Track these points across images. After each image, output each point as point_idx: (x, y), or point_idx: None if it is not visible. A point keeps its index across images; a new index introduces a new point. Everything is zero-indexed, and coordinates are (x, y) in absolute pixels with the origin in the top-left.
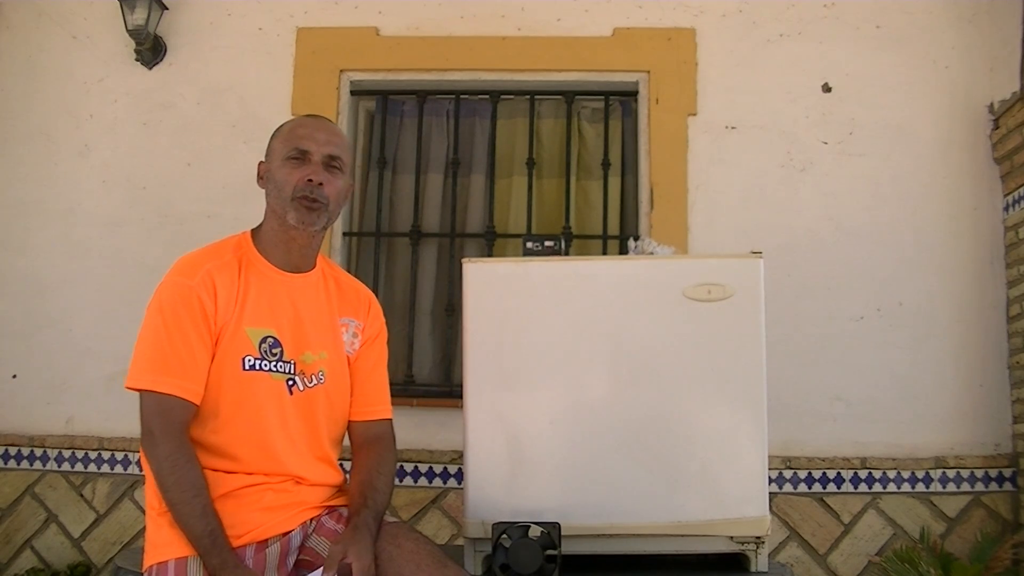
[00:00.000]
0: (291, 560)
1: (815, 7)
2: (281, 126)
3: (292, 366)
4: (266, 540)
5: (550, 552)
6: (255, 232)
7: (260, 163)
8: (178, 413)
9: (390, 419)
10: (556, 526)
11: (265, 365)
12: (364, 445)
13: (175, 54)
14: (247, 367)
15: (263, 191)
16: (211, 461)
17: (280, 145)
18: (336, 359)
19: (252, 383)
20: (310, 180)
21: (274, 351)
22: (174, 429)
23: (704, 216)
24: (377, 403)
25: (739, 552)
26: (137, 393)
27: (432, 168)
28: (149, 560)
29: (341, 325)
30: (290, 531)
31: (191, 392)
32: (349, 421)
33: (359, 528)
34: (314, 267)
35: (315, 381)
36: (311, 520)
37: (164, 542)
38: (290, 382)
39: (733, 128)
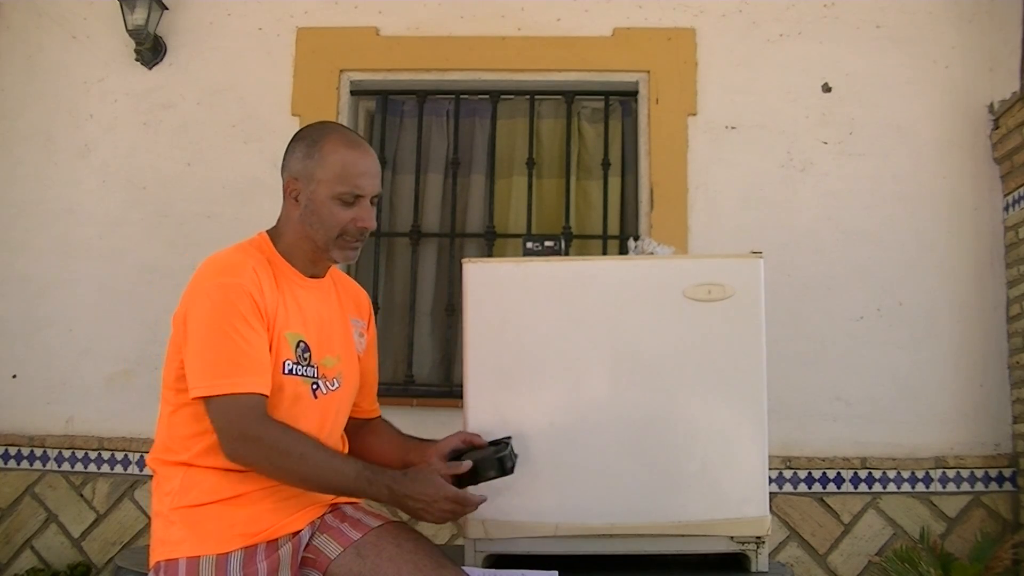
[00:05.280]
0: (299, 559)
1: (815, 7)
2: (321, 148)
3: (316, 370)
4: (277, 540)
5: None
6: (273, 237)
7: (292, 179)
8: (261, 407)
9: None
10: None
11: (299, 369)
12: (362, 428)
13: (175, 54)
14: (286, 371)
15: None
16: (224, 462)
17: (330, 179)
18: (350, 361)
19: (287, 387)
20: (363, 227)
21: (305, 355)
22: (265, 417)
23: (704, 216)
24: (371, 400)
25: (739, 552)
26: (203, 400)
27: (432, 168)
28: (157, 556)
29: (351, 326)
30: (299, 530)
31: (264, 386)
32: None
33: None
34: (326, 273)
35: (335, 384)
36: (317, 519)
37: (175, 540)
38: (314, 386)
39: (733, 128)
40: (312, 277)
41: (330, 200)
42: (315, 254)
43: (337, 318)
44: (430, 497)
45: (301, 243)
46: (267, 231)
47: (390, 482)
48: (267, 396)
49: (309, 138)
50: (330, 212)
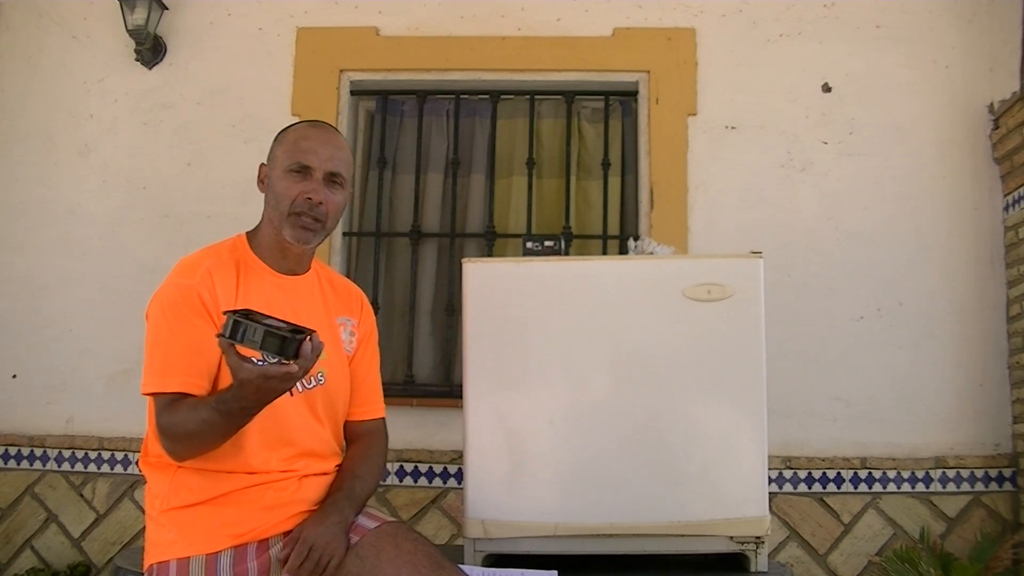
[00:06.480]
0: None
1: (815, 7)
2: (286, 131)
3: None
4: (267, 540)
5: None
6: (251, 235)
7: (261, 165)
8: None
9: (383, 417)
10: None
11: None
12: (355, 439)
13: (175, 54)
14: None
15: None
16: (210, 463)
17: (282, 154)
18: (336, 359)
19: None
20: (309, 199)
21: None
22: (172, 407)
23: (704, 216)
24: (371, 403)
25: (739, 552)
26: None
27: (432, 168)
28: (150, 559)
29: (338, 324)
30: (291, 530)
31: (195, 386)
32: (344, 421)
33: (326, 508)
34: (308, 270)
35: (314, 382)
36: None
37: (166, 542)
38: None
39: (733, 128)
40: (289, 274)
41: (283, 173)
42: (280, 242)
43: (320, 316)
44: (252, 384)
45: (269, 232)
46: (248, 231)
47: (230, 407)
48: (192, 394)
49: (285, 128)
50: (282, 185)
